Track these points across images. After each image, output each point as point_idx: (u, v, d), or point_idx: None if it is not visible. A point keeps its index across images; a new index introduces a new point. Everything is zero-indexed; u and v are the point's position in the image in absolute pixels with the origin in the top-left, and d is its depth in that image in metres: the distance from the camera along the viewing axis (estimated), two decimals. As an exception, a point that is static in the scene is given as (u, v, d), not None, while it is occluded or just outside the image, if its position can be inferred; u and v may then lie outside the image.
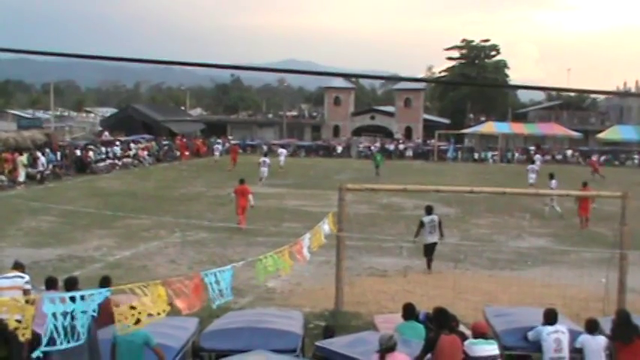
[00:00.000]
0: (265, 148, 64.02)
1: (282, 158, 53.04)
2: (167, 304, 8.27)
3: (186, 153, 63.44)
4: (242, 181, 27.37)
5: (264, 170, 42.71)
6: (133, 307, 8.00)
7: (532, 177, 39.20)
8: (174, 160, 59.79)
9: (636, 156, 67.81)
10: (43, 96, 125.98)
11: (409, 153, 70.49)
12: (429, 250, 19.41)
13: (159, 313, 8.15)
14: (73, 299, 7.45)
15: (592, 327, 10.34)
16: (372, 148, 69.44)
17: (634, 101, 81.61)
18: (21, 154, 39.50)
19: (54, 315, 7.24)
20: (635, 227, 15.68)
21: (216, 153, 60.07)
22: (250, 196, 26.56)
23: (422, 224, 19.42)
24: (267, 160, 44.22)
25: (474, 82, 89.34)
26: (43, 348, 7.30)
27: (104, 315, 8.04)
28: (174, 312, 11.02)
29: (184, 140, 67.27)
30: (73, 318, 7.36)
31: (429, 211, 19.70)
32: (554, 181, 30.17)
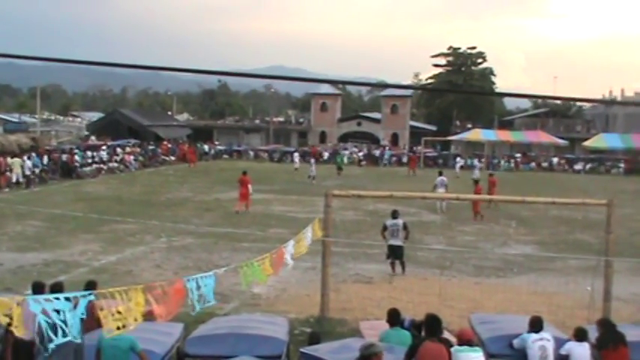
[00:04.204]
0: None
1: (297, 160, 59.49)
2: (141, 315, 8.23)
3: (172, 157, 63.54)
4: (245, 173, 32.61)
5: (313, 169, 48.31)
6: (118, 312, 7.96)
7: (476, 173, 46.80)
8: (162, 164, 59.73)
9: (621, 164, 68.19)
10: (29, 100, 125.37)
11: (403, 159, 70.62)
12: (392, 252, 19.72)
13: (136, 319, 8.10)
14: (58, 300, 7.41)
15: (580, 335, 10.37)
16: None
17: (619, 109, 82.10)
18: (15, 157, 40.53)
19: (44, 312, 7.20)
20: (621, 235, 15.74)
21: (296, 160, 60.69)
22: (250, 186, 31.79)
23: (385, 227, 19.95)
24: (313, 160, 52.24)
25: (461, 89, 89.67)
26: (50, 344, 7.32)
27: (89, 319, 7.99)
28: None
29: (169, 146, 67.33)
30: (61, 315, 7.32)
31: (394, 215, 20.09)
32: (441, 178, 34.02)
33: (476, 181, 32.29)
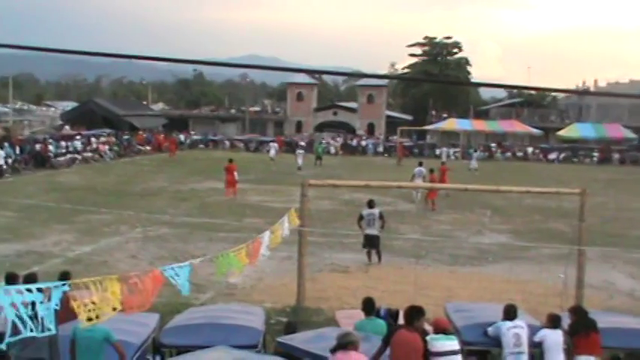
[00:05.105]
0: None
1: (272, 152, 57.62)
2: (119, 303, 8.18)
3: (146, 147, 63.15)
4: (231, 161, 34.05)
5: (299, 160, 49.32)
6: (92, 302, 7.91)
7: (473, 163, 52.80)
8: (137, 154, 59.45)
9: (595, 153, 68.77)
10: (1, 89, 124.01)
11: (379, 149, 71.03)
12: (368, 242, 19.80)
13: (115, 309, 8.06)
14: (30, 291, 7.34)
15: (554, 321, 10.49)
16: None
17: (592, 99, 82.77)
18: None
19: (13, 305, 7.13)
20: (593, 223, 15.88)
21: (272, 151, 58.54)
22: (235, 173, 33.24)
23: (361, 217, 20.05)
24: (302, 151, 52.84)
25: (436, 78, 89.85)
26: (8, 339, 7.21)
27: (64, 310, 7.94)
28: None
29: (145, 135, 67.02)
30: (34, 308, 7.26)
31: (370, 204, 20.19)
32: (420, 169, 34.41)
33: (431, 170, 32.84)
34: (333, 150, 68.75)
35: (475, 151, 64.50)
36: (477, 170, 49.81)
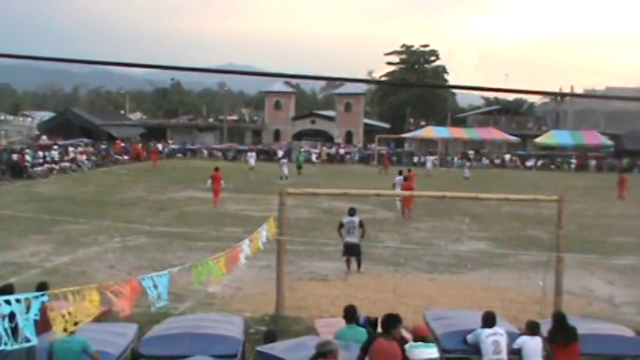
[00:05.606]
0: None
1: (252, 161, 57.65)
2: (97, 309, 8.12)
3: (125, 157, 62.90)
4: (217, 169, 34.40)
5: (284, 170, 48.37)
6: (69, 313, 7.86)
7: (466, 172, 53.19)
8: (115, 163, 59.14)
9: (573, 160, 69.24)
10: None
11: (356, 157, 71.21)
12: (348, 250, 19.68)
13: (88, 315, 8.01)
14: (8, 302, 7.28)
15: (533, 328, 10.51)
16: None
17: (569, 106, 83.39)
18: None
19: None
20: (571, 230, 15.96)
21: (251, 160, 58.46)
22: (222, 181, 33.55)
23: (341, 225, 19.92)
24: (285, 160, 53.25)
25: (414, 85, 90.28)
26: None
27: (42, 321, 7.88)
28: (113, 317, 10.88)
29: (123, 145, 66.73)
30: (13, 320, 7.19)
31: (350, 212, 20.09)
32: (399, 177, 34.24)
33: (405, 178, 33.02)
34: (314, 158, 68.76)
35: (469, 160, 65.21)
36: (469, 179, 50.59)
